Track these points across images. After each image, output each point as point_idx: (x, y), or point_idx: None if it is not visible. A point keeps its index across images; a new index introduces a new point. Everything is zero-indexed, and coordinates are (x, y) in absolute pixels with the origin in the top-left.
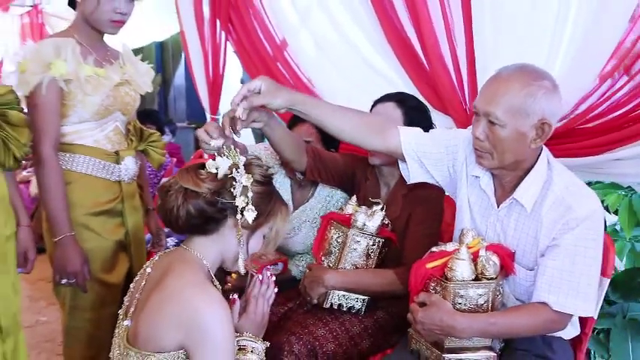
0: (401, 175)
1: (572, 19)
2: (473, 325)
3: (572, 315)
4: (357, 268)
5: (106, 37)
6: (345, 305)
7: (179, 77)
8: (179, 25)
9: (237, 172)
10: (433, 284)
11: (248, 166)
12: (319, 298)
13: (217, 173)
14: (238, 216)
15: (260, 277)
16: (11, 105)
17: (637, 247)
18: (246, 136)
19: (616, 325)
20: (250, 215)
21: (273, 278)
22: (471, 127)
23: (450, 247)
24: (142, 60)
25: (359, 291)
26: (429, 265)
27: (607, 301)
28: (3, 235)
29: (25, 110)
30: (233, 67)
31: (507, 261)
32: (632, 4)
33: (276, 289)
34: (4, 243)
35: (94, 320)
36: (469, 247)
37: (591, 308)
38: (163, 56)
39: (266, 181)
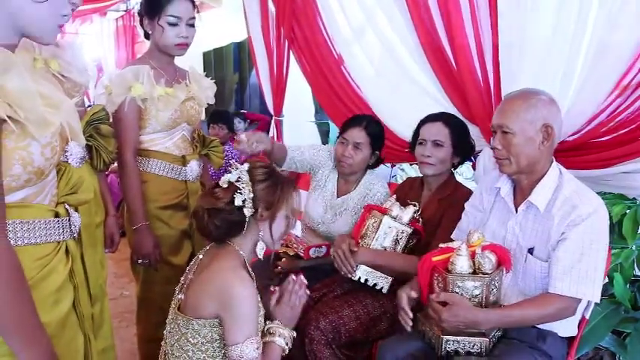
0: (441, 183)
1: (586, 44)
2: (490, 318)
3: (579, 301)
4: (385, 250)
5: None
6: (370, 281)
7: (254, 76)
8: (247, 31)
9: (241, 181)
10: (437, 274)
11: (251, 171)
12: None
13: (227, 187)
14: (248, 212)
15: (294, 277)
16: (102, 120)
17: None
18: (313, 138)
19: (637, 329)
20: (248, 211)
21: (305, 282)
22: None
23: (456, 244)
24: (222, 58)
25: (384, 269)
26: (435, 258)
27: (633, 306)
28: (94, 223)
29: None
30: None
31: (504, 258)
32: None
33: (308, 292)
34: (95, 229)
35: (161, 293)
36: (471, 246)
37: (597, 294)
38: (240, 56)
39: (268, 177)
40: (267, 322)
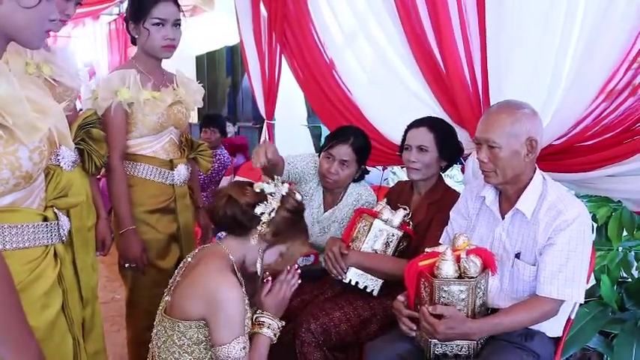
0: (430, 187)
1: (572, 49)
2: (482, 328)
3: (562, 302)
4: (376, 253)
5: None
6: (361, 283)
7: (247, 80)
8: (239, 35)
9: (272, 197)
10: (423, 279)
11: (286, 196)
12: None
13: (259, 193)
14: (259, 227)
15: (288, 267)
16: (94, 124)
17: (629, 256)
18: (306, 142)
19: (624, 330)
20: (263, 229)
21: (299, 271)
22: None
23: (441, 248)
24: (215, 62)
25: (375, 272)
26: (421, 263)
27: (620, 307)
28: (86, 226)
29: None
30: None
31: (489, 262)
32: (625, 40)
33: (299, 281)
34: (87, 232)
35: (149, 297)
36: (456, 250)
37: (582, 295)
38: (233, 60)
39: (294, 211)
40: (257, 312)
